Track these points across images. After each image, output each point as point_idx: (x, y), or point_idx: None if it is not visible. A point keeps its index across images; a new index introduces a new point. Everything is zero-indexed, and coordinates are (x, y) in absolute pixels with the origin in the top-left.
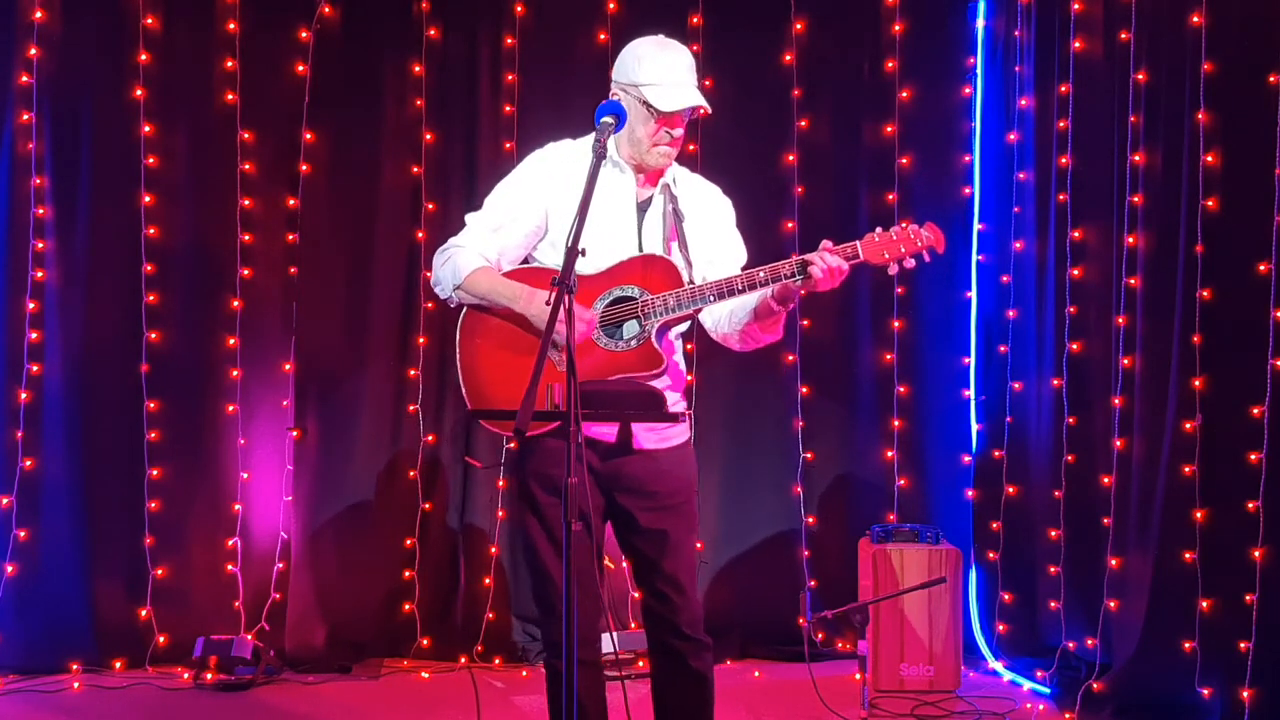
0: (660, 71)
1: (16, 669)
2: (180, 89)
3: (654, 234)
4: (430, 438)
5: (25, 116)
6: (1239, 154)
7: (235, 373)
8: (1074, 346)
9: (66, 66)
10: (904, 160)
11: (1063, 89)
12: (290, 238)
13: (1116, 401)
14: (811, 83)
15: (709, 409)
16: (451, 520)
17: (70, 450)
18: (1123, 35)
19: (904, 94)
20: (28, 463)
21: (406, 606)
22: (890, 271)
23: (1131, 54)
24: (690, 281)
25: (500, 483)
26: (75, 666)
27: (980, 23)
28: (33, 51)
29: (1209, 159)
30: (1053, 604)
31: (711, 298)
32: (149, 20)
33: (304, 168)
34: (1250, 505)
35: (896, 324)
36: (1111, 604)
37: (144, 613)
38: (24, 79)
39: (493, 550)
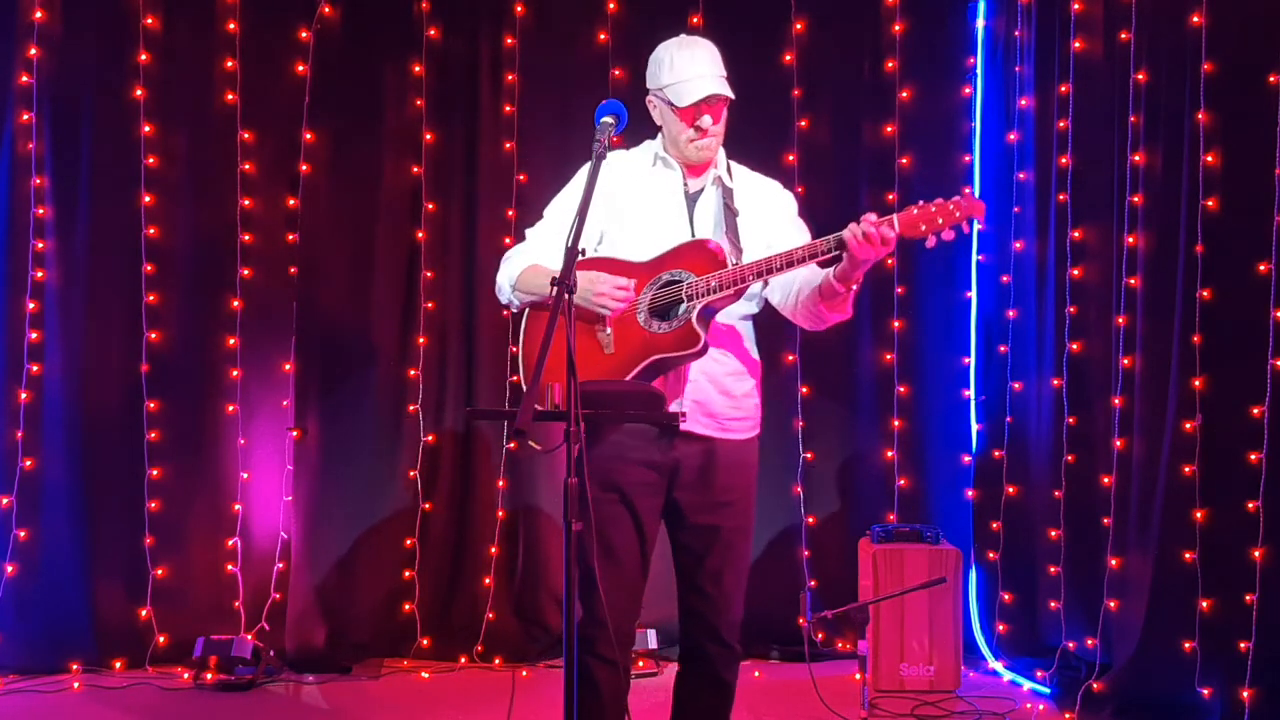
0: (679, 69)
1: (16, 669)
2: (180, 89)
3: (705, 223)
4: (430, 438)
5: (25, 116)
6: (1239, 154)
7: (235, 373)
8: (1074, 346)
9: (66, 66)
10: (904, 160)
11: (1063, 89)
12: (290, 238)
13: (1116, 401)
14: (811, 83)
15: None
16: (451, 520)
17: (70, 450)
18: (1123, 35)
19: (904, 94)
20: (28, 463)
21: (406, 606)
22: (929, 244)
23: (1131, 54)
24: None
25: (500, 483)
26: (75, 666)
27: (980, 23)
28: (33, 51)
29: (1209, 159)
30: (1053, 604)
31: (752, 277)
32: (149, 20)
33: (304, 168)
34: (1250, 505)
35: (896, 324)
36: (1111, 604)
37: (144, 613)
38: (24, 79)
39: (493, 550)
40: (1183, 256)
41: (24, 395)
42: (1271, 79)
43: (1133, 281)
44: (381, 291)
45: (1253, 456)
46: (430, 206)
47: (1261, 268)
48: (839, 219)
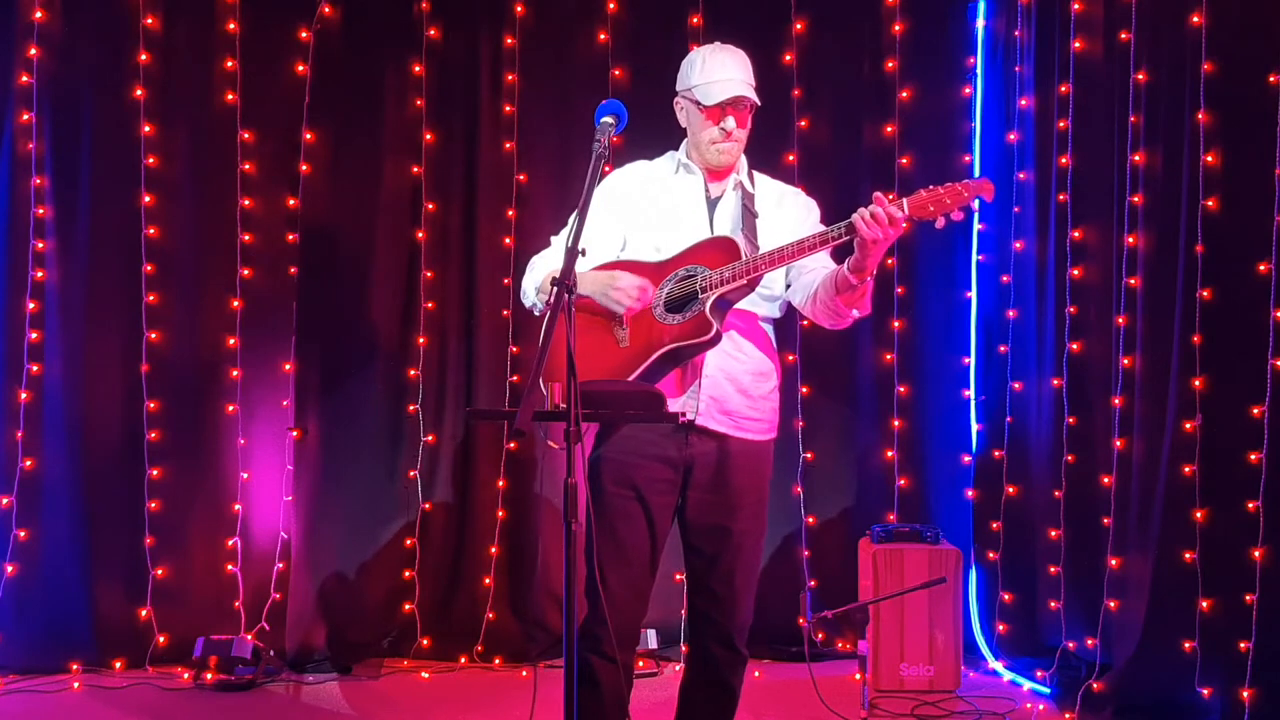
0: (710, 71)
1: (16, 669)
2: (180, 89)
3: (725, 225)
4: (430, 438)
5: (25, 116)
6: (1239, 154)
7: (235, 373)
8: (1074, 346)
9: (66, 66)
10: (904, 160)
11: (1063, 89)
12: (290, 238)
13: (1116, 401)
14: (811, 83)
15: None
16: (451, 520)
17: (70, 450)
18: (1123, 35)
19: (904, 94)
20: (28, 463)
21: (406, 606)
22: (938, 224)
23: (1131, 54)
24: None
25: (500, 483)
26: (75, 666)
27: (980, 23)
28: (33, 51)
29: (1209, 159)
30: (1053, 604)
31: (765, 266)
32: (149, 20)
33: (304, 168)
34: (1250, 505)
35: (896, 324)
36: (1111, 604)
37: (144, 613)
38: (24, 79)
39: (493, 550)
40: (1183, 256)
41: (24, 395)
42: (1271, 79)
43: (1133, 281)
44: (381, 291)
45: (1253, 456)
46: (430, 206)
47: (1261, 268)
48: (839, 219)
